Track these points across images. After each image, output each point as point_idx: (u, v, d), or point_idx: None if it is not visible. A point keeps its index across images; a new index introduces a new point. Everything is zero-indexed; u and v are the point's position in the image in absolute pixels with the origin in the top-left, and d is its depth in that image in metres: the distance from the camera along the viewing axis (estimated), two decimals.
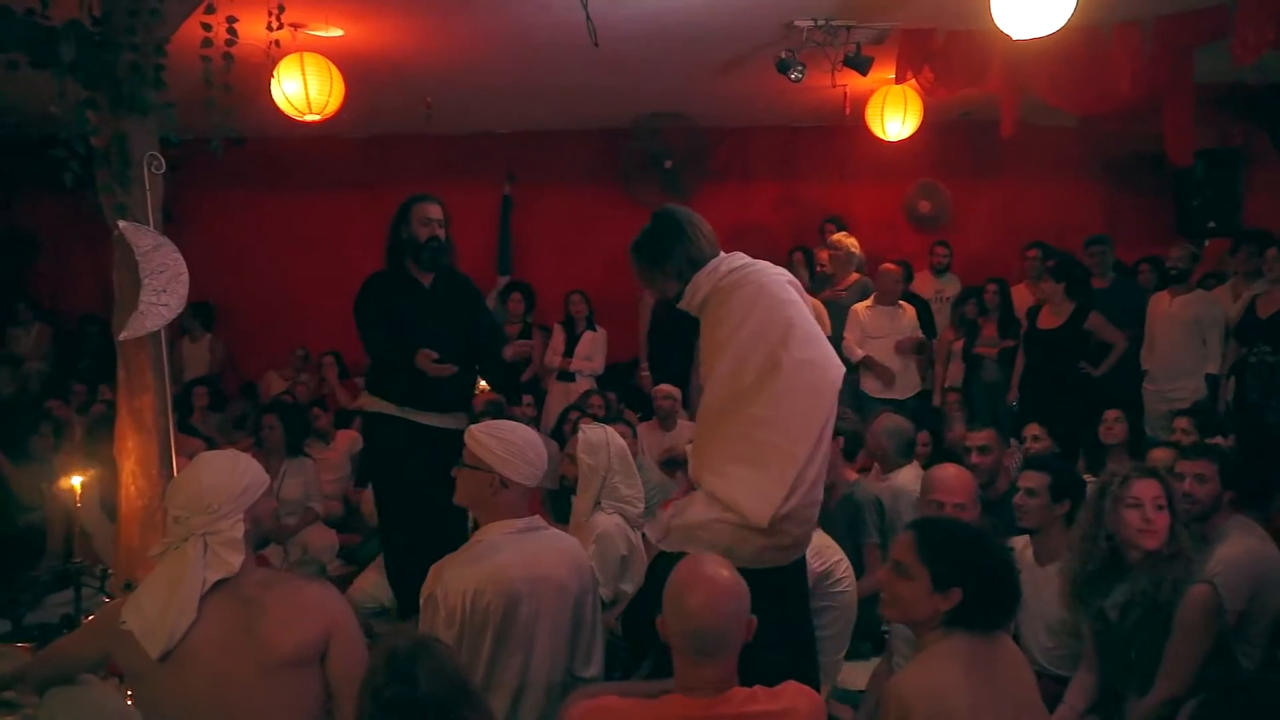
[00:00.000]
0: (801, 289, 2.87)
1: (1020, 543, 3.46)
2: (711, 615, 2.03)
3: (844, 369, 2.77)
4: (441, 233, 4.06)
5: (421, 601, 2.65)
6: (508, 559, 2.63)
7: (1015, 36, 4.34)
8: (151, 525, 3.37)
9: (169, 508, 2.29)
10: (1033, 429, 4.82)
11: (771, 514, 2.54)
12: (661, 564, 2.74)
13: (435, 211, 4.06)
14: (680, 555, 2.59)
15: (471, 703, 1.93)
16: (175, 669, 2.20)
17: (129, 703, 2.55)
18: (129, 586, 3.09)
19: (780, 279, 2.78)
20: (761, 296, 2.70)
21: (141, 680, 2.28)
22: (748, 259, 2.83)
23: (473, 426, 2.84)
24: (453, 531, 2.85)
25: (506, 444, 2.72)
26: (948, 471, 3.51)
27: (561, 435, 5.48)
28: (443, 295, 4.10)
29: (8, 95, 5.48)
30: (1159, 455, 4.01)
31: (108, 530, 3.98)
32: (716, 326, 2.73)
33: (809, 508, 2.68)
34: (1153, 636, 2.84)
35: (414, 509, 3.88)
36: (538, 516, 2.79)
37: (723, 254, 2.83)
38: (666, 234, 2.83)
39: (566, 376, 7.22)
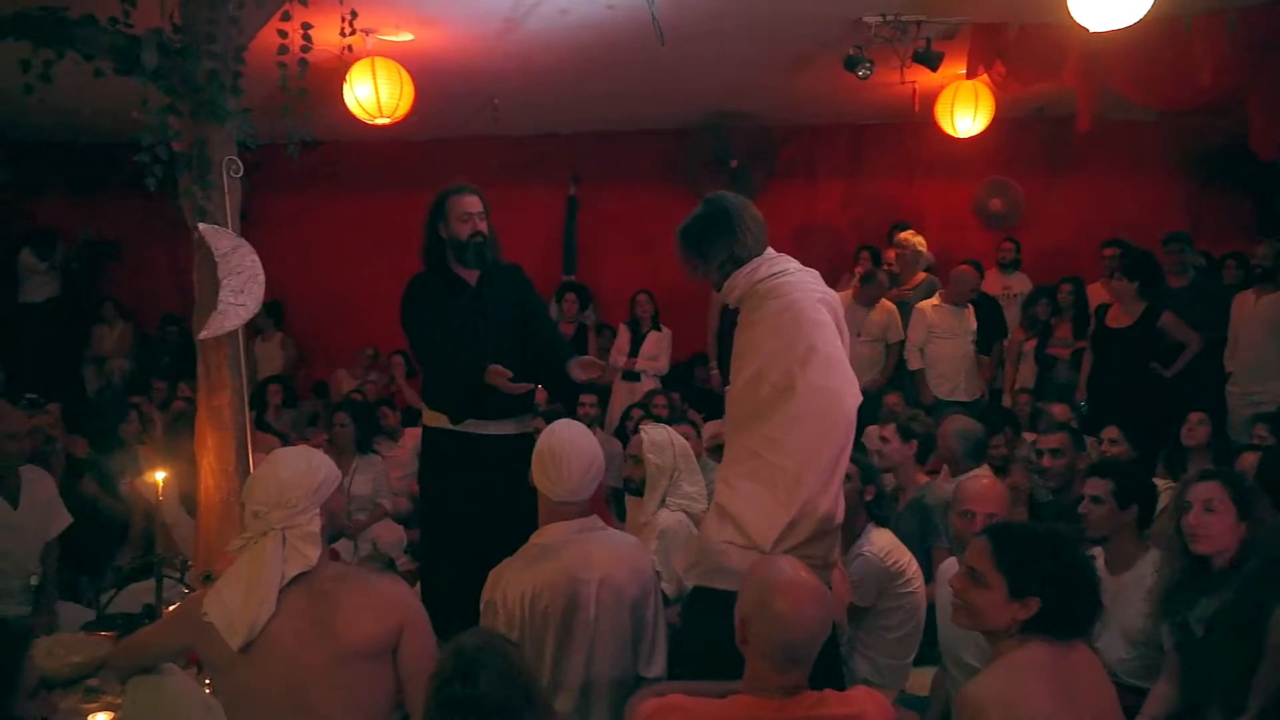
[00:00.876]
0: (837, 306, 2.78)
1: (1093, 553, 3.37)
2: (803, 622, 2.00)
3: (861, 397, 2.68)
4: (484, 226, 3.78)
5: (482, 607, 2.66)
6: (565, 561, 2.62)
7: (1093, 29, 4.24)
8: (229, 519, 3.45)
9: (247, 503, 2.34)
10: (1110, 432, 4.69)
11: (774, 537, 2.51)
12: (696, 602, 2.70)
13: (473, 204, 3.78)
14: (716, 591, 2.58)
15: (534, 704, 1.93)
16: (253, 660, 2.26)
17: (208, 692, 2.63)
18: (208, 578, 3.17)
19: (812, 296, 2.70)
20: (788, 312, 2.65)
21: (221, 670, 2.34)
22: (788, 264, 2.76)
23: None
24: (506, 543, 2.77)
25: (538, 446, 2.71)
26: (980, 482, 3.43)
27: (625, 434, 5.49)
28: (490, 293, 3.80)
29: (92, 102, 5.65)
30: (1249, 459, 3.88)
31: (187, 524, 4.09)
32: (746, 331, 2.72)
33: (826, 535, 2.62)
34: (1237, 654, 2.72)
35: (469, 522, 3.64)
36: (595, 517, 2.77)
37: (769, 252, 2.77)
38: (714, 225, 2.77)
39: (631, 376, 7.24)
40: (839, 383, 2.61)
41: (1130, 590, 3.18)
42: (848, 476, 3.67)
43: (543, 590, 2.58)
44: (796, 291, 2.69)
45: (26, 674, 1.83)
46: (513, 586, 2.59)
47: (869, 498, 3.68)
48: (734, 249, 2.75)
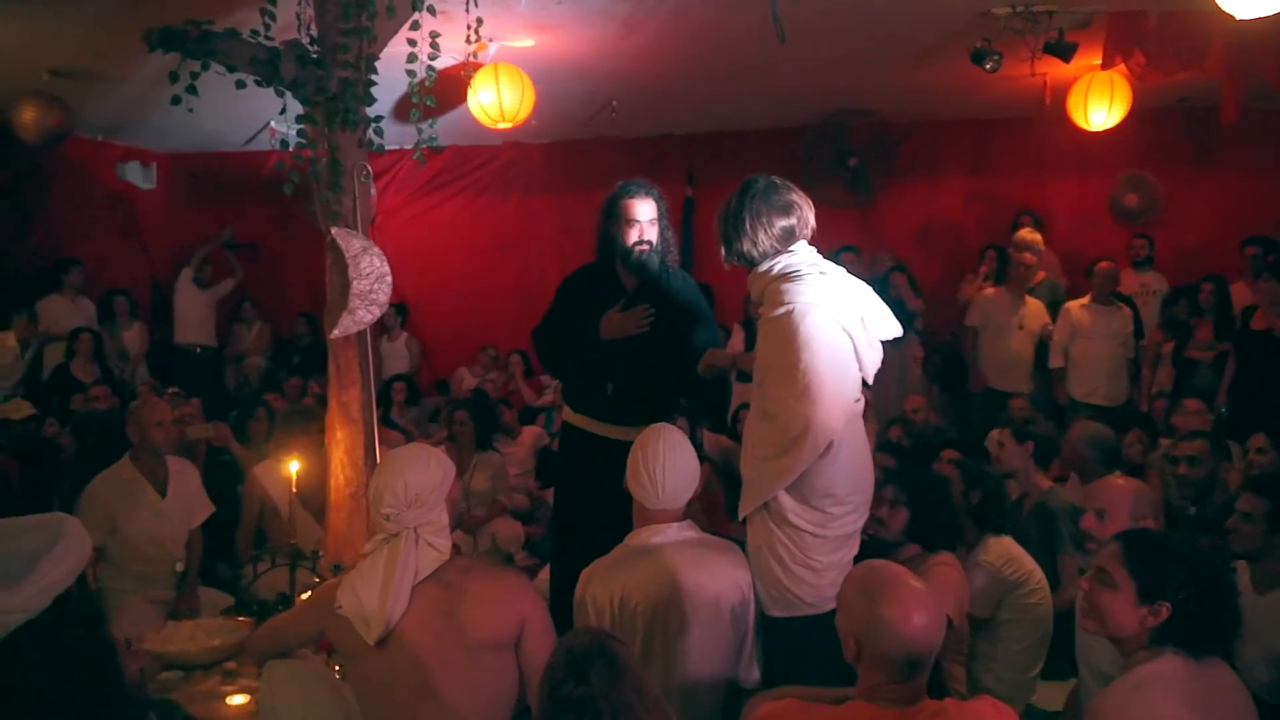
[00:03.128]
0: (859, 320, 2.76)
1: (1238, 569, 3.18)
2: (915, 628, 1.93)
3: (836, 431, 2.70)
4: (653, 233, 3.47)
5: (574, 606, 2.68)
6: (655, 565, 2.62)
7: (1240, 16, 4.01)
8: (358, 510, 3.58)
9: (378, 508, 2.42)
10: (1258, 440, 4.41)
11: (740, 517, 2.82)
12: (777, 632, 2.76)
13: (645, 210, 3.46)
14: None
15: (646, 704, 1.91)
16: (384, 648, 2.35)
17: (338, 676, 2.73)
18: (337, 569, 3.30)
19: (815, 307, 2.69)
20: (780, 325, 2.70)
21: (353, 657, 2.44)
22: (802, 264, 2.77)
23: None
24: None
25: (633, 452, 2.73)
26: (1115, 478, 3.27)
27: (737, 434, 5.47)
28: (642, 302, 3.50)
29: (232, 111, 5.95)
30: None
31: (302, 516, 4.21)
32: (760, 330, 2.82)
33: None
34: None
35: (599, 523, 3.40)
36: (689, 523, 2.76)
37: (798, 247, 2.80)
38: (729, 220, 2.84)
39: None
40: (814, 410, 2.64)
41: (1277, 610, 3.01)
42: (948, 480, 3.64)
43: (632, 592, 2.58)
44: (799, 298, 2.70)
45: (120, 649, 1.97)
46: (602, 587, 2.61)
47: (974, 501, 3.56)
48: (742, 247, 2.82)
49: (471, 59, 4.37)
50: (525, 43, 5.61)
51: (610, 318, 3.49)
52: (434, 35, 3.58)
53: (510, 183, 8.72)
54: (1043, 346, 6.59)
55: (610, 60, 6.08)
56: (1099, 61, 5.64)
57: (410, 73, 3.61)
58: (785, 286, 2.73)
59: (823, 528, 2.72)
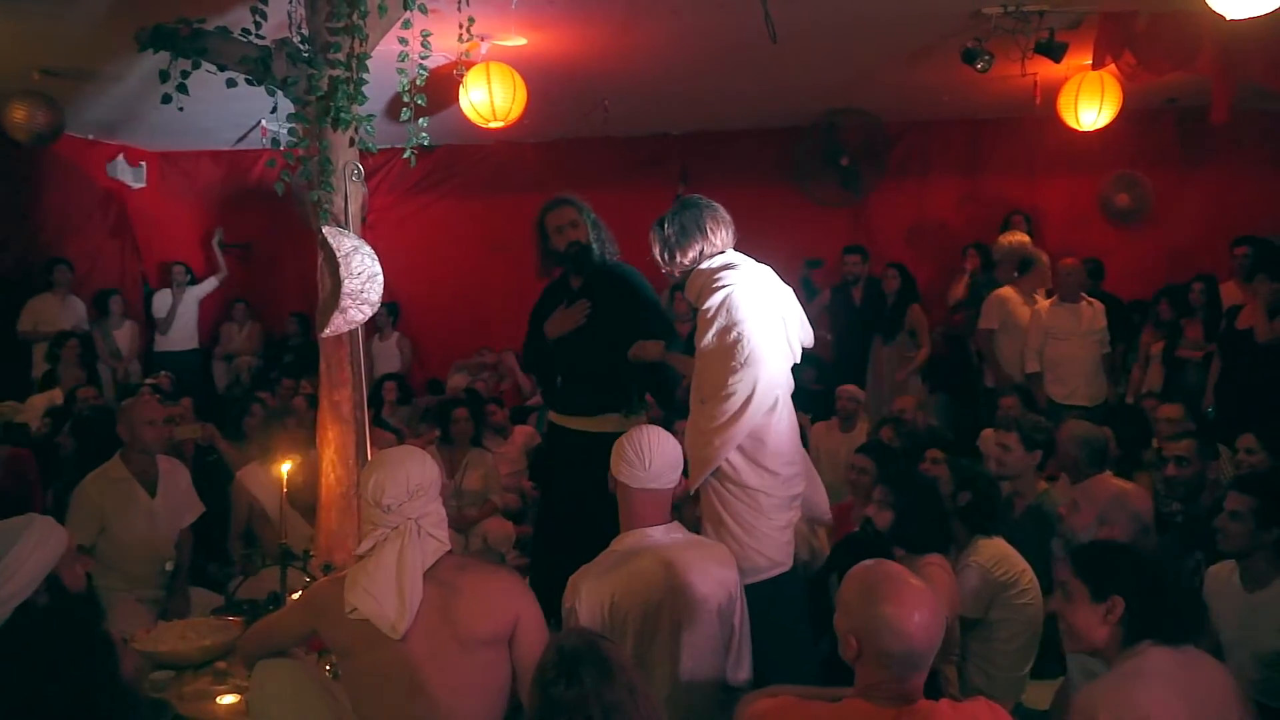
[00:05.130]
0: (785, 303, 3.11)
1: (1227, 568, 3.20)
2: (915, 626, 1.92)
3: (780, 385, 3.04)
4: (580, 234, 3.84)
5: (563, 614, 2.68)
6: (644, 567, 2.63)
7: (1230, 16, 4.02)
8: (349, 511, 3.56)
9: (380, 500, 2.42)
10: (1247, 440, 4.41)
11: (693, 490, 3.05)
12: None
13: (564, 216, 3.88)
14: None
15: (638, 703, 1.91)
16: (379, 645, 2.35)
17: (329, 676, 2.72)
18: (328, 568, 3.29)
19: (751, 289, 3.02)
20: (724, 303, 3.00)
21: (346, 657, 2.44)
22: (731, 259, 3.12)
23: None
24: (599, 542, 2.81)
25: (619, 442, 2.77)
26: (1104, 477, 3.31)
27: None
28: (585, 297, 3.85)
29: (224, 110, 5.93)
30: None
31: (292, 515, 4.19)
32: (700, 319, 3.07)
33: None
34: None
35: (567, 517, 3.73)
36: (677, 524, 2.78)
37: (729, 252, 3.15)
38: (691, 225, 3.16)
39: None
40: (759, 370, 2.97)
41: (1266, 609, 3.01)
42: (939, 480, 3.67)
43: (622, 599, 2.59)
44: (733, 280, 3.03)
45: (120, 649, 1.97)
46: (591, 595, 2.62)
47: (963, 502, 3.57)
48: (702, 248, 3.15)
49: (463, 58, 4.36)
50: (517, 41, 5.60)
51: (554, 316, 3.85)
52: (425, 34, 3.57)
53: (503, 182, 8.70)
54: None
55: (603, 59, 6.08)
56: (1089, 61, 5.67)
57: (402, 72, 3.60)
58: (720, 274, 3.06)
59: (774, 491, 3.00)
